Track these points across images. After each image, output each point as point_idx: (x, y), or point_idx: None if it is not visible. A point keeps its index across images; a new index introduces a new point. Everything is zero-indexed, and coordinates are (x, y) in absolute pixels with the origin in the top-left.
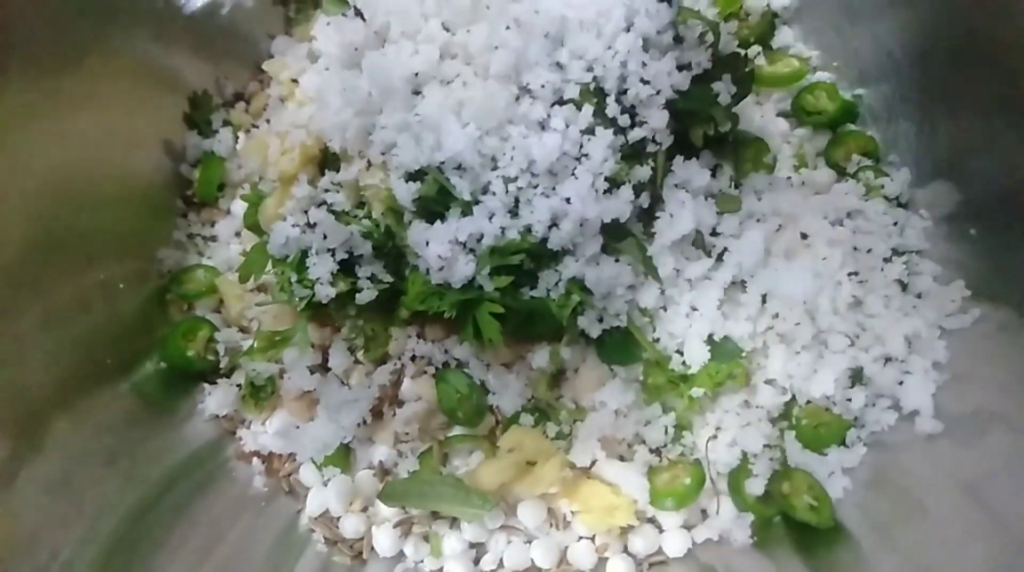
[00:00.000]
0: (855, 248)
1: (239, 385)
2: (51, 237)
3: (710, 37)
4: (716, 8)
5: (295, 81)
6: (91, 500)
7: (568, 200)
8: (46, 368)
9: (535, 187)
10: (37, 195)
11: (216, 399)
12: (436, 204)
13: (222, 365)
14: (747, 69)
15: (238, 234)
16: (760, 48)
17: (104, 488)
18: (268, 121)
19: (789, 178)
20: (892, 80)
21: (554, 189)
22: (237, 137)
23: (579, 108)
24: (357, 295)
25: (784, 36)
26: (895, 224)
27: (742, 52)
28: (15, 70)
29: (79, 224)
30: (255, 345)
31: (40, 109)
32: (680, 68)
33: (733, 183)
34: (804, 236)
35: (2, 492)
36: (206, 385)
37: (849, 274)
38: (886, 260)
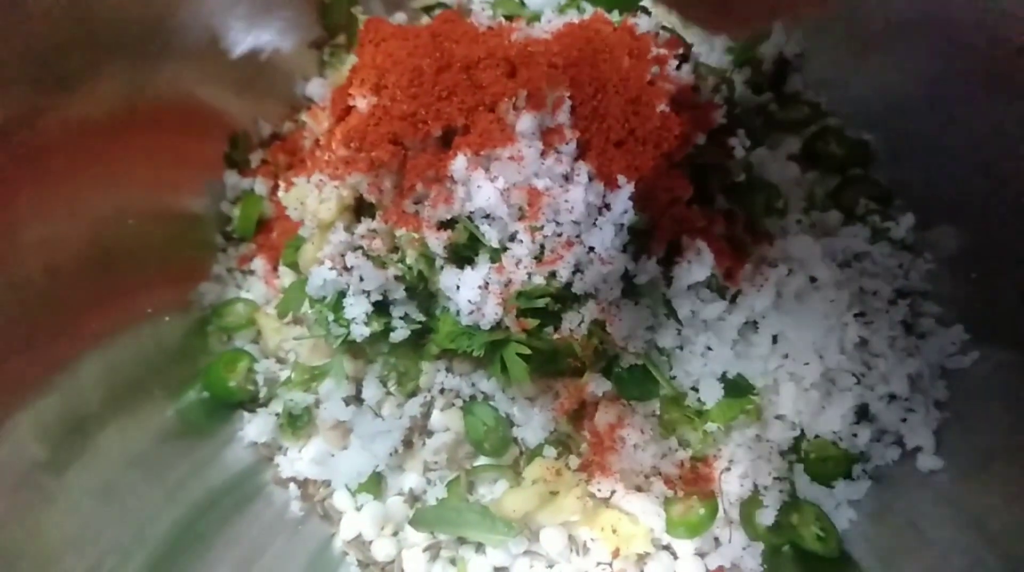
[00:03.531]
0: (862, 290)
1: (277, 414)
2: (105, 260)
3: (725, 90)
4: (730, 56)
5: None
6: (135, 511)
7: (591, 249)
8: (97, 384)
9: (560, 235)
10: (94, 222)
11: (255, 427)
12: (466, 250)
13: (261, 395)
14: (761, 121)
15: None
16: (772, 94)
17: (148, 502)
18: (302, 161)
19: (799, 221)
20: (899, 125)
21: (578, 237)
22: (275, 176)
23: None
24: (391, 334)
25: (795, 82)
26: (900, 266)
27: (757, 102)
28: (75, 112)
29: (129, 254)
30: (292, 377)
31: (97, 147)
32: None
33: (746, 228)
34: (813, 279)
35: (47, 492)
36: (245, 413)
37: (856, 315)
38: (891, 302)
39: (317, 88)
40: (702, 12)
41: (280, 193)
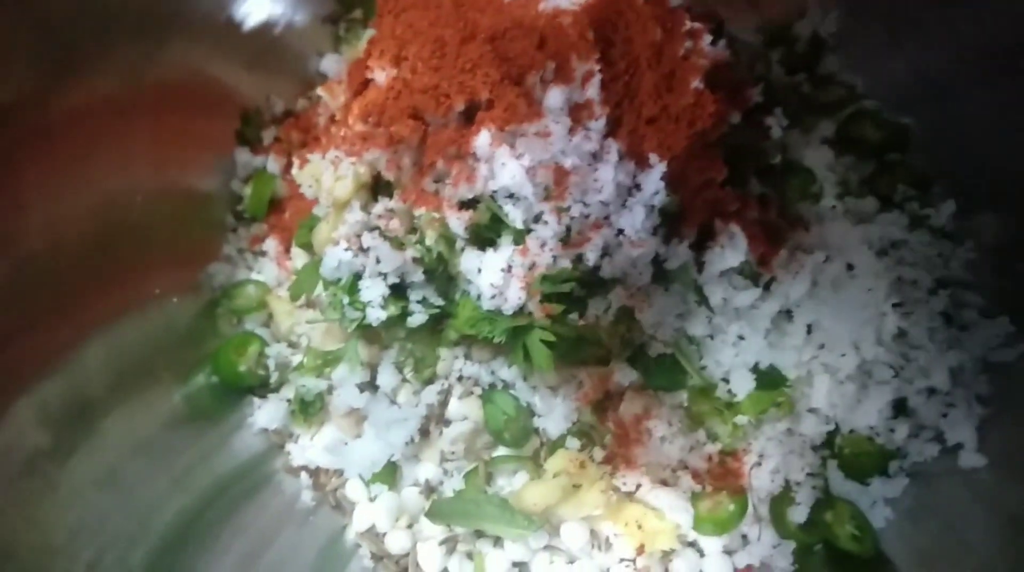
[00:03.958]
0: (900, 279)
1: (288, 400)
2: (112, 240)
3: (760, 67)
4: (762, 35)
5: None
6: (140, 499)
7: (621, 231)
8: (102, 368)
9: (587, 217)
10: (101, 201)
11: (266, 413)
12: (488, 232)
13: (272, 380)
14: (794, 103)
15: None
16: (805, 75)
17: (154, 490)
18: (316, 139)
19: (834, 207)
20: (938, 108)
21: (607, 218)
22: (288, 154)
23: None
24: (408, 318)
25: (830, 63)
26: (940, 255)
27: (790, 83)
28: (82, 90)
29: (137, 233)
30: (305, 362)
31: (105, 125)
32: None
33: (780, 212)
34: (850, 267)
35: (50, 480)
36: (255, 399)
37: (894, 305)
38: (931, 292)
39: (332, 64)
40: None
41: (294, 170)
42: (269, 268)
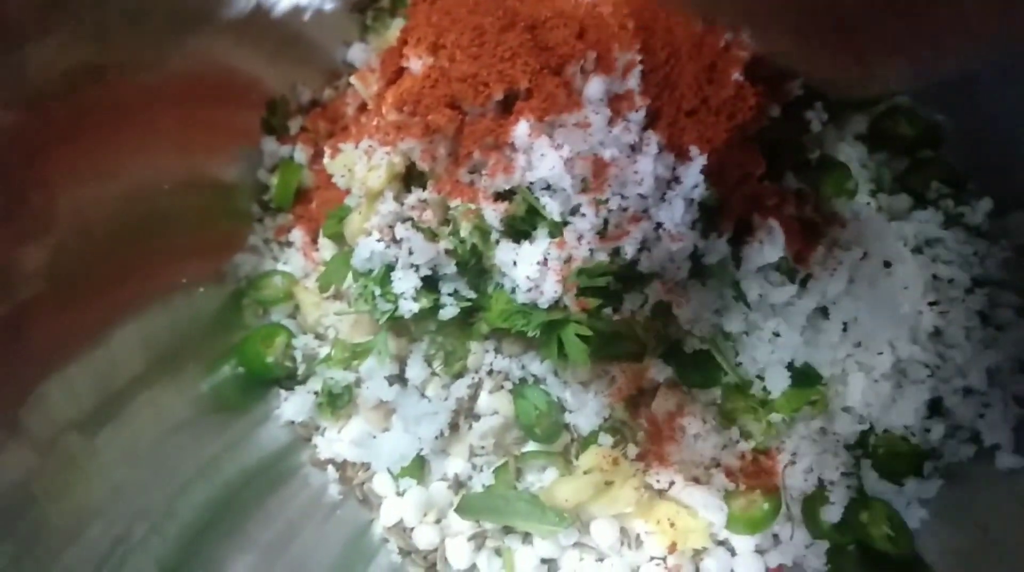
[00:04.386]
0: (935, 277)
1: (315, 392)
2: (139, 228)
3: None
4: None
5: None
6: (166, 484)
7: (659, 225)
8: (129, 354)
9: (626, 210)
10: (128, 189)
11: (292, 405)
12: (524, 224)
13: (299, 372)
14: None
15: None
16: None
17: (179, 476)
18: (344, 128)
19: (868, 203)
20: (972, 105)
21: (645, 212)
22: (315, 143)
23: None
24: (440, 311)
25: None
26: (975, 254)
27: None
28: (111, 75)
29: (163, 221)
30: (332, 354)
31: (132, 112)
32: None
33: (816, 208)
34: (887, 264)
35: (77, 462)
36: (282, 391)
37: (930, 304)
38: (967, 291)
39: (359, 53)
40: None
41: (326, 160)
42: (295, 259)
